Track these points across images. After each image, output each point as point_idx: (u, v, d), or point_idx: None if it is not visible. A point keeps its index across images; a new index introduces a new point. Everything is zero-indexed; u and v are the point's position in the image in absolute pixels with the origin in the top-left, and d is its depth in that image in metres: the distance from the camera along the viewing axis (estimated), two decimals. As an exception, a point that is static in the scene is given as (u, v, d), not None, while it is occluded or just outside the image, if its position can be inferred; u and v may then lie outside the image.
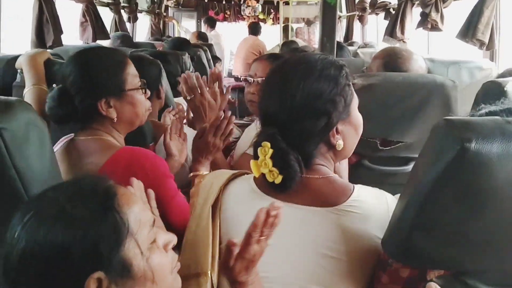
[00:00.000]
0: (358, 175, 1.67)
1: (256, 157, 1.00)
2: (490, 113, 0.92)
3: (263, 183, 1.03)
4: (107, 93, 1.32)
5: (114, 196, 0.76)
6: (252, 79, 1.90)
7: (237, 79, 6.76)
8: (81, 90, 1.30)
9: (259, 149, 0.98)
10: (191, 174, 1.51)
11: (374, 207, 1.02)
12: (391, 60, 1.78)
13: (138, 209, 0.78)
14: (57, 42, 3.10)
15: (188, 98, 1.71)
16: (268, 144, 0.97)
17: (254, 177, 1.08)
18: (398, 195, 1.03)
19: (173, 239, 0.85)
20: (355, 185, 1.06)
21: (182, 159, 1.63)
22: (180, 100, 2.58)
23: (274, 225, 0.86)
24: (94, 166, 1.27)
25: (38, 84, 1.60)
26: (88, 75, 1.31)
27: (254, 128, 1.81)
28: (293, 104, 0.98)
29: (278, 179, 0.97)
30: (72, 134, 1.41)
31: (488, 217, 0.82)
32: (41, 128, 0.94)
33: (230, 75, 7.34)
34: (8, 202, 0.88)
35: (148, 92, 1.45)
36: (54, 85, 1.54)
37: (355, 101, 1.07)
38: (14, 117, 0.88)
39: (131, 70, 1.39)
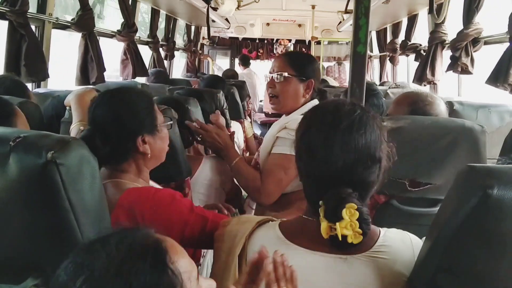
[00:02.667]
0: (387, 215, 1.69)
1: (330, 217, 0.97)
2: None
3: (289, 231, 1.04)
4: (143, 130, 1.37)
5: (166, 253, 0.75)
6: (270, 75, 1.98)
7: (267, 115, 6.91)
8: (120, 129, 1.34)
9: (344, 211, 0.94)
10: None
11: (400, 251, 1.04)
12: (419, 108, 1.81)
13: (186, 261, 0.78)
14: (100, 79, 3.27)
15: (199, 138, 1.91)
16: (355, 206, 0.95)
17: (280, 225, 1.10)
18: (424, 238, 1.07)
19: (213, 284, 0.87)
20: (380, 228, 1.08)
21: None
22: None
23: (291, 277, 0.92)
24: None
25: (84, 120, 1.72)
26: (126, 115, 1.35)
27: (278, 124, 1.91)
28: (356, 159, 0.99)
29: (359, 239, 0.96)
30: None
31: (510, 261, 0.85)
32: (92, 163, 1.02)
33: (260, 111, 7.48)
34: (61, 232, 0.96)
35: (172, 126, 1.53)
36: (81, 127, 1.66)
37: None
38: (70, 154, 0.96)
39: (157, 107, 1.45)
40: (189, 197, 1.82)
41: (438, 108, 1.83)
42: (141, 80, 4.57)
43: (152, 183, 1.51)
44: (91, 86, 3.10)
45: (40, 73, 2.62)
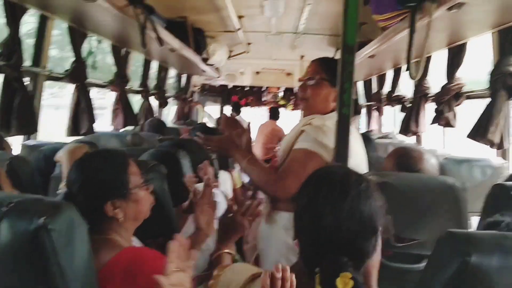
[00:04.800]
0: (373, 271, 1.71)
1: (326, 286, 0.97)
2: None
3: None
4: (112, 195, 1.36)
5: None
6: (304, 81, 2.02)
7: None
8: (88, 195, 1.34)
9: (338, 280, 0.95)
10: (215, 254, 1.51)
11: None
12: (403, 161, 1.87)
13: None
14: (90, 130, 3.30)
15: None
16: (349, 275, 0.95)
17: None
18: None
19: None
20: None
21: (210, 232, 1.67)
22: (201, 186, 2.69)
23: None
24: (97, 265, 1.23)
25: None
26: (93, 181, 1.35)
27: (302, 122, 1.91)
28: (359, 229, 1.01)
29: None
30: None
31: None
32: (82, 228, 1.05)
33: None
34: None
35: (151, 187, 1.49)
36: (59, 191, 1.65)
37: None
38: (60, 218, 0.99)
39: (133, 169, 1.42)
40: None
41: (426, 163, 1.88)
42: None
43: (136, 241, 1.50)
44: (82, 137, 3.12)
45: (30, 127, 2.64)
